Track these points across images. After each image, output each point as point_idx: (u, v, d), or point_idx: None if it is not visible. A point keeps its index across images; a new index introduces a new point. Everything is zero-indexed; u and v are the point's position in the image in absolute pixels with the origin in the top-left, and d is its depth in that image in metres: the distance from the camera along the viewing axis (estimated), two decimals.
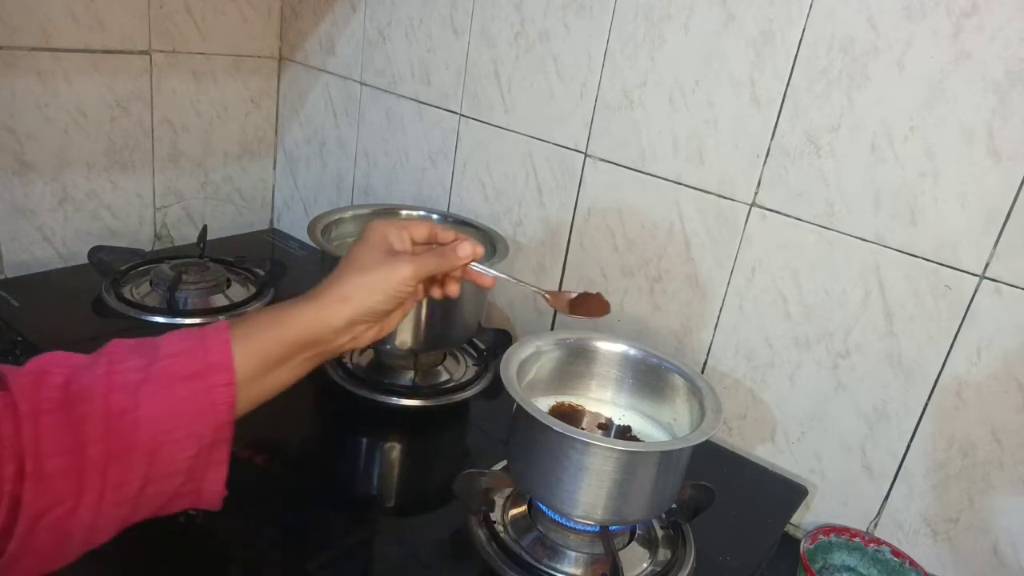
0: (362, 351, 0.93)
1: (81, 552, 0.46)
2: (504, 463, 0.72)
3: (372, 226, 0.59)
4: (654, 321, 0.91)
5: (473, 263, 0.61)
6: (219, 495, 0.51)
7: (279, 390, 0.54)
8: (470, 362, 0.96)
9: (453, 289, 0.63)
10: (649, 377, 0.73)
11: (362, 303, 0.55)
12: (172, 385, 0.47)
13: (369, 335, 0.58)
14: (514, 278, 0.64)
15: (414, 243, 0.60)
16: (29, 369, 0.46)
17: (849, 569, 0.78)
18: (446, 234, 0.62)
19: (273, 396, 0.54)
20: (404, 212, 1.01)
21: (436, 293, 0.62)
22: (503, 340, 0.96)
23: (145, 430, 0.46)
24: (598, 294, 0.67)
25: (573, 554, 0.65)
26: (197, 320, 0.95)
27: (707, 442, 0.61)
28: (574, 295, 0.67)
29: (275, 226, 1.38)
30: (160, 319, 0.94)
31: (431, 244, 0.62)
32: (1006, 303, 0.68)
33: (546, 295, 0.66)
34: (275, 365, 0.52)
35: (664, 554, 0.68)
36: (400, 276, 0.55)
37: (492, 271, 0.62)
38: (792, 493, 0.81)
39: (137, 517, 0.48)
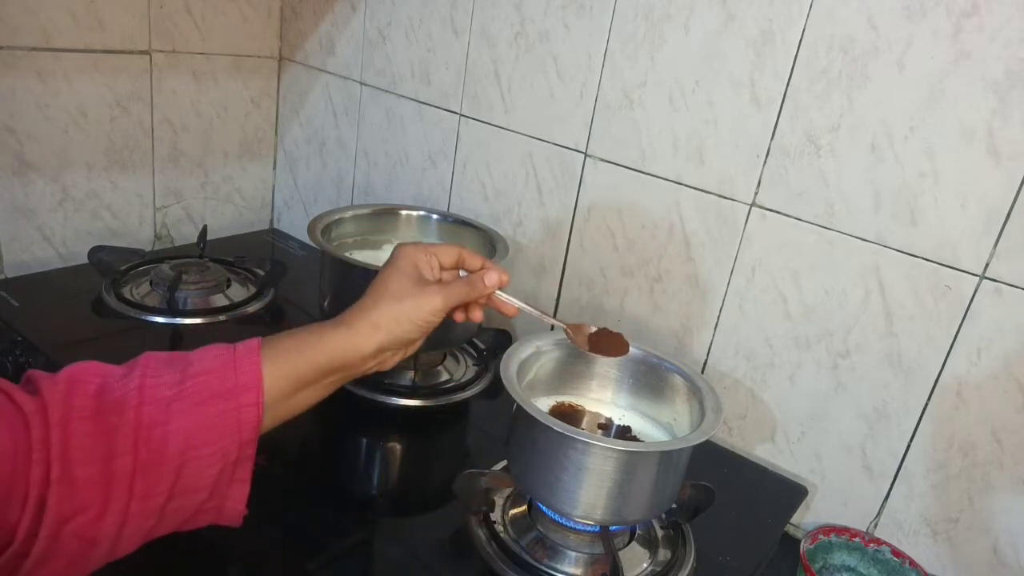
0: None
1: (106, 560, 0.47)
2: (504, 463, 0.72)
3: (402, 252, 0.60)
4: (654, 321, 0.91)
5: (498, 291, 0.62)
6: (240, 513, 0.52)
7: (303, 409, 0.55)
8: (470, 362, 0.96)
9: (477, 315, 0.63)
10: (649, 377, 0.73)
11: (392, 332, 0.56)
12: (203, 403, 0.48)
13: (395, 359, 0.59)
14: (536, 309, 0.64)
15: (442, 268, 0.61)
16: (62, 377, 0.46)
17: (849, 569, 0.78)
18: (473, 260, 0.62)
19: (297, 415, 0.55)
20: (404, 212, 1.01)
21: (459, 317, 0.62)
22: (503, 340, 0.96)
23: (174, 445, 0.46)
24: (619, 333, 0.68)
25: (573, 554, 0.65)
26: (197, 320, 0.96)
27: (707, 442, 0.61)
28: (593, 329, 0.68)
29: (275, 226, 1.38)
30: (160, 319, 0.94)
31: (458, 268, 0.63)
32: (1006, 303, 0.68)
33: (567, 328, 0.67)
34: (303, 387, 0.54)
35: (664, 554, 0.68)
36: (430, 307, 0.57)
37: (516, 301, 0.63)
38: (792, 493, 0.81)
39: (160, 530, 0.49)
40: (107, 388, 0.47)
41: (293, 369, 0.52)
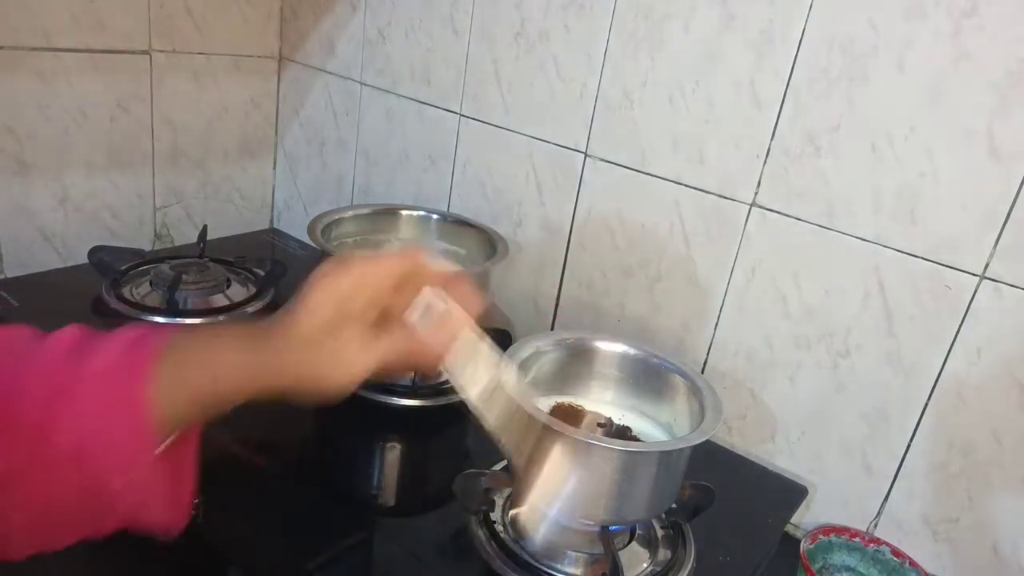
0: None
1: None
2: (504, 463, 0.72)
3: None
4: (654, 321, 0.91)
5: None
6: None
7: None
8: None
9: None
10: (649, 377, 0.73)
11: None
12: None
13: None
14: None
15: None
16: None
17: (849, 569, 0.78)
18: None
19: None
20: (404, 212, 1.01)
21: None
22: (503, 340, 0.95)
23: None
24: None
25: (573, 554, 0.65)
26: (197, 320, 0.96)
27: (707, 442, 0.61)
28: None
29: (275, 226, 1.38)
30: (160, 319, 0.94)
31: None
32: (1006, 303, 0.68)
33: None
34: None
35: (664, 554, 0.68)
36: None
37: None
38: (792, 493, 0.81)
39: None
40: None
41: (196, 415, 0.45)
